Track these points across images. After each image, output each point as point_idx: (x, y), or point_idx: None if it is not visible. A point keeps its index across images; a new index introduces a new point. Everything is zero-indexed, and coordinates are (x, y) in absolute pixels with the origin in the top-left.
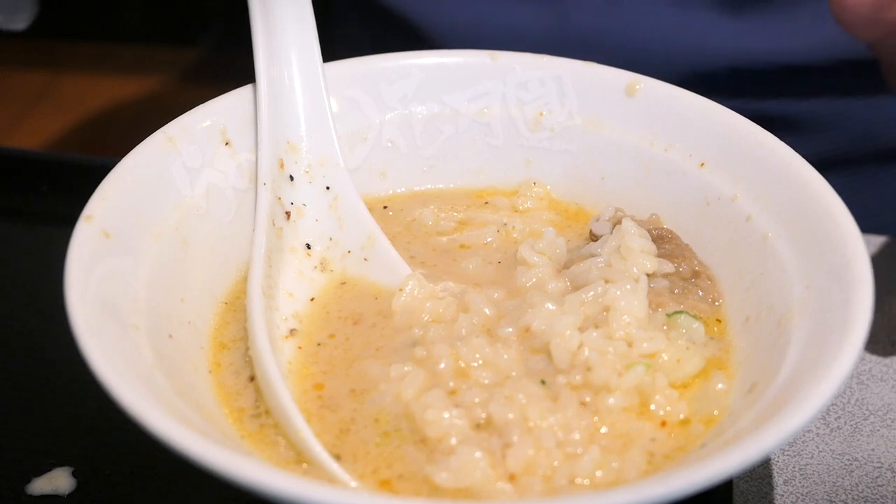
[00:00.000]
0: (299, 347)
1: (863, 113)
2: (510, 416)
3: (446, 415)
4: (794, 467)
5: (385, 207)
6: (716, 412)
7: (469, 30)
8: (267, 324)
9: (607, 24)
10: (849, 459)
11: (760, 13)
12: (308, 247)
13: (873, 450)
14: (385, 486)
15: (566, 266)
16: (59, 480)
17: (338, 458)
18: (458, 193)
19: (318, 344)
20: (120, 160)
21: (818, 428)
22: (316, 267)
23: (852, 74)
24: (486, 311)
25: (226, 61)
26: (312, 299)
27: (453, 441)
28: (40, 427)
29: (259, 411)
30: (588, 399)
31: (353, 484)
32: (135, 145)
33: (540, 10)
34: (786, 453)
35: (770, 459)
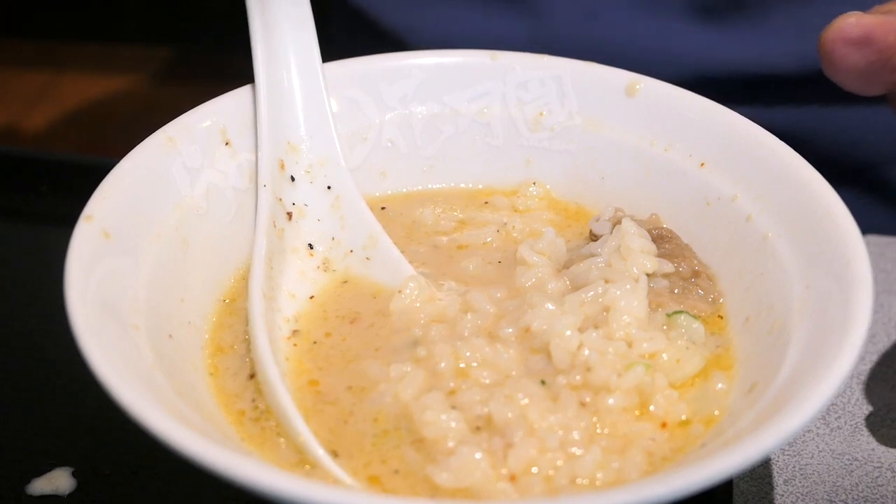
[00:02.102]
0: (294, 345)
1: (844, 123)
2: (510, 416)
3: (444, 416)
4: (794, 467)
5: (383, 208)
6: (716, 412)
7: (448, 42)
8: (268, 325)
9: (584, 35)
10: (849, 459)
11: (736, 24)
12: (310, 247)
13: (873, 450)
14: (374, 481)
15: (566, 266)
16: (59, 480)
17: (335, 454)
18: (458, 193)
19: (315, 342)
20: (120, 160)
21: (818, 428)
22: (318, 267)
23: (831, 84)
24: (490, 308)
25: (226, 61)
26: (311, 297)
27: (451, 444)
28: (40, 427)
29: (258, 413)
30: (588, 399)
31: (354, 484)
32: (135, 145)
33: (518, 23)
34: (786, 453)
35: (770, 459)
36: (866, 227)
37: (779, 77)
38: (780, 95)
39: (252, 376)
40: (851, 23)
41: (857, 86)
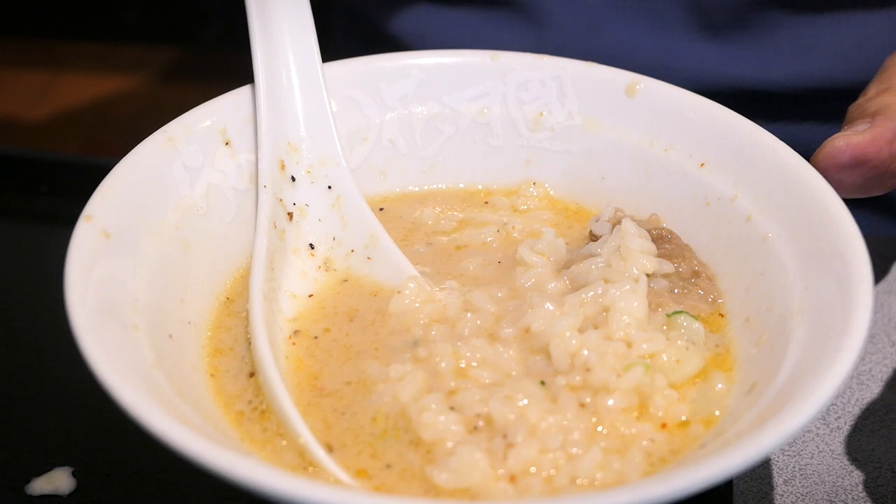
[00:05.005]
0: (294, 343)
1: None
2: (511, 416)
3: (442, 418)
4: (794, 467)
5: (381, 210)
6: (716, 413)
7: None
8: (269, 327)
9: (588, 49)
10: (849, 459)
11: (738, 41)
12: (311, 247)
13: (873, 450)
14: (363, 474)
15: (566, 266)
16: (59, 480)
17: (329, 448)
18: (458, 193)
19: (315, 337)
20: (120, 160)
21: (818, 428)
22: (320, 267)
23: (830, 102)
24: (490, 308)
25: (226, 61)
26: (311, 296)
27: (449, 444)
28: (40, 427)
29: (258, 413)
30: (587, 400)
31: (354, 484)
32: (135, 145)
33: (522, 35)
34: (786, 453)
35: (770, 459)
36: (866, 228)
37: (779, 94)
38: (781, 112)
39: (252, 375)
40: (840, 147)
41: (857, 195)
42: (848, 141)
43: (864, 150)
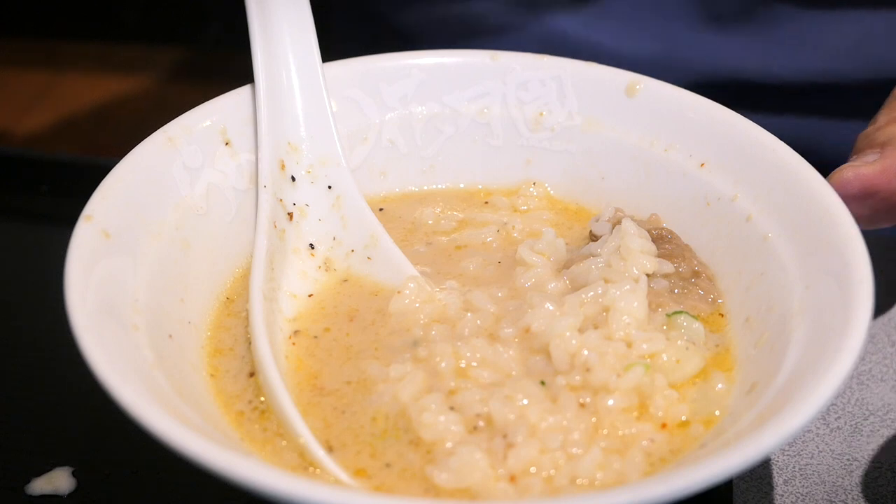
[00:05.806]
0: (293, 344)
1: (845, 133)
2: (511, 416)
3: (442, 418)
4: (794, 467)
5: (381, 210)
6: (716, 413)
7: (447, 24)
8: (269, 327)
9: (589, 39)
10: (849, 459)
11: (742, 32)
12: (311, 247)
13: (873, 450)
14: (361, 473)
15: (566, 266)
16: (59, 480)
17: (329, 448)
18: (458, 193)
19: (315, 336)
20: (120, 160)
21: (818, 428)
22: (320, 267)
23: (833, 96)
24: (490, 308)
25: (226, 61)
26: (311, 296)
27: (449, 444)
28: (40, 427)
29: (258, 413)
30: (587, 400)
31: (354, 483)
32: (135, 145)
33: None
34: (786, 453)
35: (770, 459)
36: (866, 233)
37: (782, 87)
38: (783, 105)
39: (252, 374)
40: (849, 178)
41: (865, 226)
42: (857, 172)
43: (873, 182)
